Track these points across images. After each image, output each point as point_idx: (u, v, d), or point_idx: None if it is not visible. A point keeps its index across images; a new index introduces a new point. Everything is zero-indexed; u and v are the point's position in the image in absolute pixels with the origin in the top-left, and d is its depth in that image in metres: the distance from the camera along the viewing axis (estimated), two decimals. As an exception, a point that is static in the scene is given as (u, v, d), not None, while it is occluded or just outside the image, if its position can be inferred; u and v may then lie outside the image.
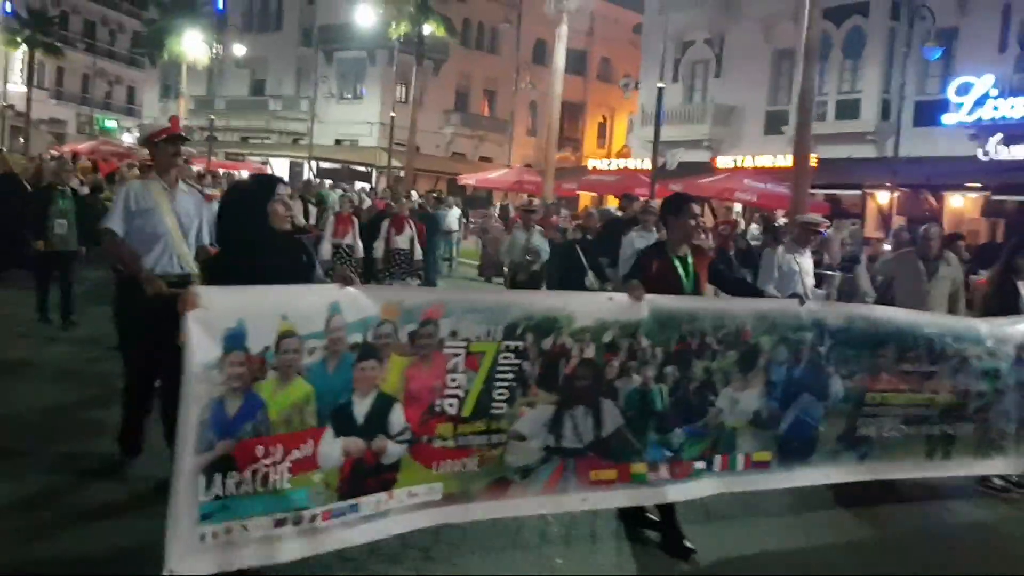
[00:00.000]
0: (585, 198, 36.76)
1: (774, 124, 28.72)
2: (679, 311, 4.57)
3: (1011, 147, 21.59)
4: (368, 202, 20.51)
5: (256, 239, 3.79)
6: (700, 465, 4.65)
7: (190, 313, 3.23)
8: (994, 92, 22.62)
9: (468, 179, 35.07)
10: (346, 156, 41.66)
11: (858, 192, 25.23)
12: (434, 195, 24.13)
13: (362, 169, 41.16)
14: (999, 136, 22.05)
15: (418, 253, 11.71)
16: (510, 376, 4.06)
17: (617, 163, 35.07)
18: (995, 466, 5.95)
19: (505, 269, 12.53)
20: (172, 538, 3.17)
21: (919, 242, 7.47)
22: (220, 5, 40.15)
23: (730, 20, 30.94)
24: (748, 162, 28.02)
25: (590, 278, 10.10)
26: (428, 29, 33.53)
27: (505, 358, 4.04)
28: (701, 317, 4.60)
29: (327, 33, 42.42)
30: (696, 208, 5.01)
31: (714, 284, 5.19)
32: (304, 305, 3.53)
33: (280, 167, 42.97)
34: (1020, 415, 5.84)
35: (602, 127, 51.29)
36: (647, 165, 31.35)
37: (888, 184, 20.52)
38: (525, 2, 37.57)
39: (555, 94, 25.74)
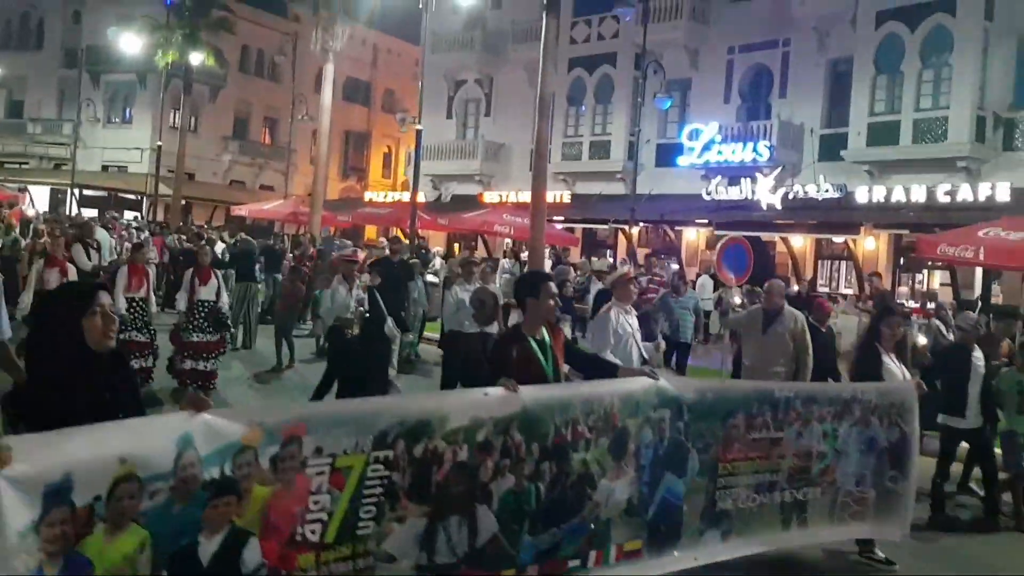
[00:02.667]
0: (370, 230, 37.29)
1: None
2: (551, 401, 4.33)
3: (730, 188, 24.29)
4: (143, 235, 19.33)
5: (70, 365, 3.07)
6: (574, 563, 4.41)
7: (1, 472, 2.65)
8: (719, 138, 25.37)
9: (242, 210, 34.63)
10: (114, 183, 39.89)
11: (608, 226, 27.31)
12: (194, 228, 23.76)
13: (131, 197, 39.58)
14: (719, 178, 24.74)
15: (225, 302, 10.86)
16: (379, 491, 3.67)
17: (393, 195, 35.88)
18: (855, 531, 5.94)
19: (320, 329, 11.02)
20: None
21: (762, 297, 7.89)
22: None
23: (498, 63, 32.70)
24: (515, 197, 29.61)
25: (389, 325, 9.71)
26: (198, 59, 32.94)
27: (374, 470, 3.65)
28: (573, 405, 4.37)
29: (94, 54, 40.51)
30: (553, 288, 4.88)
31: (568, 363, 4.98)
32: (147, 442, 3.01)
33: (40, 194, 40.43)
34: (875, 479, 5.78)
35: (387, 157, 51.99)
36: (423, 198, 32.45)
37: (627, 219, 22.49)
38: (302, 33, 37.70)
39: (323, 132, 26.23)
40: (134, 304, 10.26)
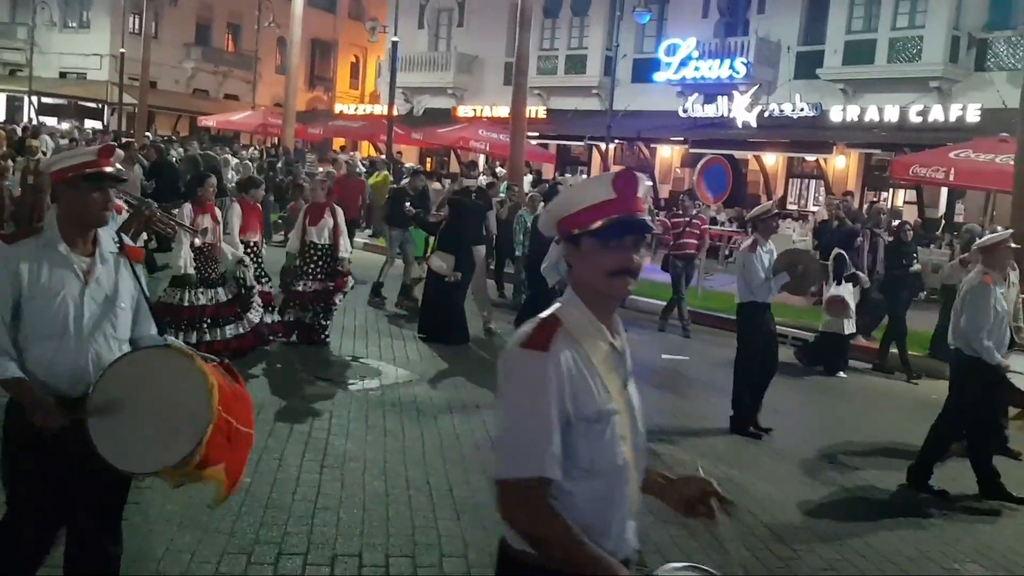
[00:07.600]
0: (337, 142, 36.82)
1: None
2: None
3: (706, 105, 24.31)
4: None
5: None
6: None
7: None
8: (696, 54, 25.19)
9: (209, 120, 33.94)
10: (72, 91, 38.74)
11: (583, 143, 27.31)
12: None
13: (92, 106, 38.57)
14: (696, 95, 24.72)
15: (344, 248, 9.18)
16: None
17: (364, 108, 35.36)
18: None
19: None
20: None
21: (995, 261, 6.30)
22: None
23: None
24: (489, 111, 29.39)
25: None
26: (160, -40, 31.70)
27: None
28: None
29: (47, -46, 38.84)
30: None
31: None
32: None
33: (-4, 101, 39.34)
34: None
35: (355, 67, 50.86)
36: (395, 111, 32.10)
37: (602, 136, 22.49)
38: (268, -65, 36.41)
39: (294, 42, 25.63)
40: (249, 249, 8.76)
